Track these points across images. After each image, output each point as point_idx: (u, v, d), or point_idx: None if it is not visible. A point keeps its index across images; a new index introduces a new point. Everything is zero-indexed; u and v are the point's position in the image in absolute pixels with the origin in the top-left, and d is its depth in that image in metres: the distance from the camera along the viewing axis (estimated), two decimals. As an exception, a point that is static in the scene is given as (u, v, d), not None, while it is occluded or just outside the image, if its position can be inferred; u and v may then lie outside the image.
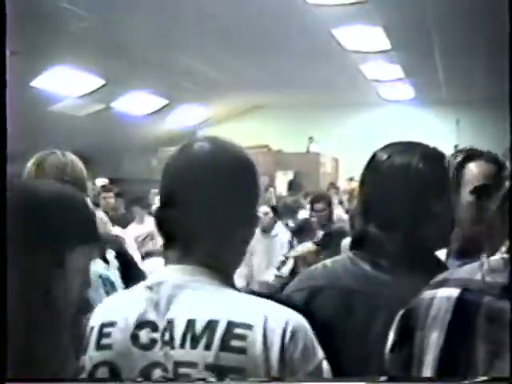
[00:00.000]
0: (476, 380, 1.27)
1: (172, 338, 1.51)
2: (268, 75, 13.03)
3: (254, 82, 13.76)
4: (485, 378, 1.27)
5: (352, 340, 1.92)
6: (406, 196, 1.97)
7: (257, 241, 7.66)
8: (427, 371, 1.39)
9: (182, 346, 1.50)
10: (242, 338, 1.47)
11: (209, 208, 1.61)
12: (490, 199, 2.52)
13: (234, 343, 1.47)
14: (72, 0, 8.11)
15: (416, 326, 1.44)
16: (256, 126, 16.72)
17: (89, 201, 1.70)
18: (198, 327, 1.50)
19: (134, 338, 1.55)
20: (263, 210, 7.83)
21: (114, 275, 2.80)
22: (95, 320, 1.62)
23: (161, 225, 1.67)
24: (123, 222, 8.16)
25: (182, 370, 1.49)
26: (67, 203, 1.52)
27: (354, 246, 2.09)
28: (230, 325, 1.48)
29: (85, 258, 1.52)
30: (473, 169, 2.63)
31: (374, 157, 2.07)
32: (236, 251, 1.68)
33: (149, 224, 8.16)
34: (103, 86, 12.06)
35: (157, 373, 1.51)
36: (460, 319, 1.36)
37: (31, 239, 1.43)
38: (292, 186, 10.58)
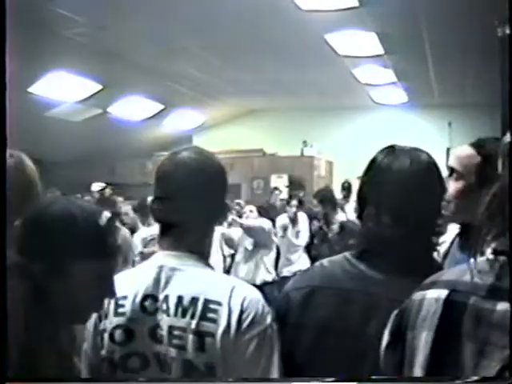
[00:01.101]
0: (468, 380, 1.29)
1: (168, 309, 1.99)
2: (263, 80, 13.07)
3: (249, 87, 13.80)
4: (476, 377, 1.28)
5: (348, 340, 1.95)
6: (408, 197, 1.99)
7: None
8: (417, 371, 1.40)
9: (175, 315, 1.98)
10: (215, 311, 1.95)
11: (195, 203, 2.07)
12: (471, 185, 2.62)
13: (210, 315, 1.95)
14: (68, 6, 8.18)
15: (407, 327, 1.45)
16: (251, 130, 16.77)
17: (109, 219, 1.84)
18: (185, 302, 1.97)
19: (142, 307, 2.02)
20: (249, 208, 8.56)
21: None
22: None
23: (157, 216, 2.12)
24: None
25: (176, 332, 1.96)
26: (83, 222, 1.76)
27: (358, 245, 2.11)
28: (207, 302, 1.96)
29: (99, 268, 1.79)
30: (454, 152, 2.75)
31: (374, 159, 2.10)
32: (212, 238, 2.17)
33: (154, 228, 8.38)
34: (100, 90, 12.10)
35: (158, 331, 1.99)
36: (448, 320, 1.37)
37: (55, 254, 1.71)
38: (291, 188, 10.70)
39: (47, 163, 14.46)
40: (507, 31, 4.02)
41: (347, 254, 2.10)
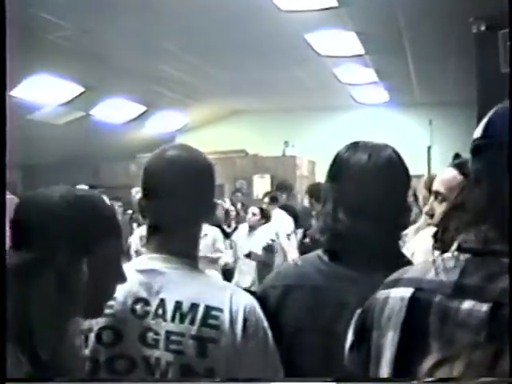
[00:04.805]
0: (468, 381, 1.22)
1: (164, 313, 1.97)
2: (244, 81, 13.09)
3: (231, 88, 13.81)
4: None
5: (322, 337, 1.97)
6: (379, 191, 2.00)
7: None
8: (384, 370, 1.40)
9: (173, 320, 1.95)
10: (216, 318, 1.94)
11: (185, 201, 2.04)
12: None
13: (211, 321, 1.94)
14: (50, 9, 8.19)
15: (372, 326, 1.45)
16: (233, 131, 16.78)
17: (106, 199, 1.81)
18: (185, 308, 1.96)
19: (132, 310, 2.00)
20: (252, 210, 8.39)
21: None
22: None
23: (145, 214, 2.10)
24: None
25: (174, 338, 1.94)
26: (87, 205, 1.72)
27: (323, 243, 2.12)
28: (208, 308, 1.95)
29: (109, 250, 1.75)
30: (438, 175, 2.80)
31: (336, 155, 2.13)
32: (199, 239, 2.15)
33: None
34: (82, 93, 12.08)
35: (150, 335, 1.97)
36: (413, 318, 1.37)
37: (60, 238, 1.65)
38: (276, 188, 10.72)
39: (30, 166, 14.46)
40: (482, 28, 4.07)
41: (319, 252, 2.12)
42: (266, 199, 9.73)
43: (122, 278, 1.81)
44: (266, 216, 8.61)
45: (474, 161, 1.41)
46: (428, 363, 1.29)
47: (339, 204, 2.03)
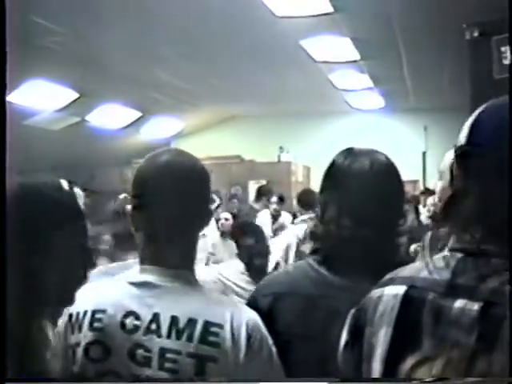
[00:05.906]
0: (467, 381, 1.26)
1: (158, 328, 1.85)
2: (239, 86, 13.10)
3: (226, 94, 13.82)
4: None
5: (312, 345, 1.97)
6: (368, 199, 2.01)
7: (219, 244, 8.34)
8: (375, 367, 1.40)
9: (169, 336, 1.83)
10: (216, 334, 1.82)
11: (179, 210, 1.92)
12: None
13: (211, 339, 1.82)
14: (45, 15, 8.19)
15: (365, 325, 1.45)
16: (228, 137, 16.80)
17: (64, 184, 1.73)
18: (181, 324, 1.84)
19: (122, 324, 1.87)
20: (224, 215, 8.34)
21: None
22: (85, 305, 1.92)
23: (137, 225, 1.97)
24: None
25: (169, 355, 1.82)
26: (43, 191, 1.69)
27: (313, 251, 2.14)
28: (207, 324, 1.83)
29: (73, 236, 1.70)
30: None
31: (333, 162, 2.14)
32: (195, 248, 2.00)
33: None
34: (77, 99, 12.09)
35: (140, 352, 1.85)
36: (406, 315, 1.37)
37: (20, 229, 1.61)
38: (261, 192, 10.68)
39: (26, 172, 14.43)
40: (475, 34, 4.08)
41: (310, 259, 2.12)
42: (274, 198, 9.73)
43: (90, 263, 1.78)
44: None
45: (460, 167, 1.42)
46: (409, 362, 1.32)
47: (341, 211, 2.03)
